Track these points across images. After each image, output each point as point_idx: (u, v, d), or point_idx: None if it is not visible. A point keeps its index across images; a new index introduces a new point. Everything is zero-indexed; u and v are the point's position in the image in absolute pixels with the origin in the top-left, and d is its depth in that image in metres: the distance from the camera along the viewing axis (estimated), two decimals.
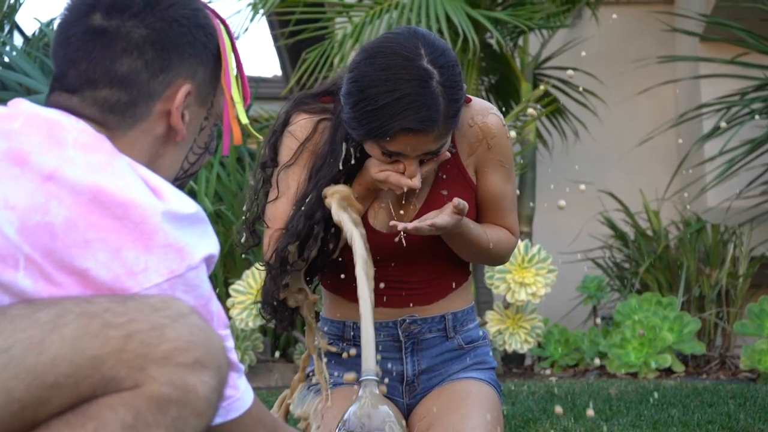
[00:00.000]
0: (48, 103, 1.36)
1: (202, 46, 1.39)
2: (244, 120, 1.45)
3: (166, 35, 1.35)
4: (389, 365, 2.05)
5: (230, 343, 1.30)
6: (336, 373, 2.07)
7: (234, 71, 1.44)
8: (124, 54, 1.33)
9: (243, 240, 2.10)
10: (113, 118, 1.33)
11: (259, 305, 2.01)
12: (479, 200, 2.07)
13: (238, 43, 1.47)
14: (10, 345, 1.11)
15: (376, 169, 1.89)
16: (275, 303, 1.97)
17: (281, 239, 1.96)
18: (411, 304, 2.04)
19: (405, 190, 1.90)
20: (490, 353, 2.15)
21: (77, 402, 1.13)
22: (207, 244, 1.25)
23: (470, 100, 2.02)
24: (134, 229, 1.19)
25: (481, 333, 2.14)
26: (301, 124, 2.00)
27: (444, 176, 2.01)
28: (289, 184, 1.99)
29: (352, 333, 2.06)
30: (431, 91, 1.79)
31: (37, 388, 1.11)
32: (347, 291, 2.04)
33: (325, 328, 2.13)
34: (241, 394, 1.33)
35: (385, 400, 1.80)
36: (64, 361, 1.12)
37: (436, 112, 1.79)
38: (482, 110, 2.03)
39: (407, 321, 2.04)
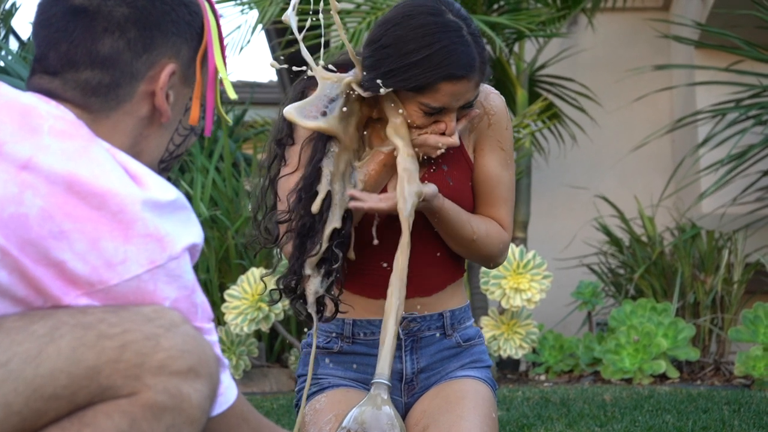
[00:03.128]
0: (29, 86, 1.33)
1: (186, 24, 1.35)
2: (233, 95, 1.41)
3: (148, 13, 1.32)
4: None
5: (214, 337, 1.27)
6: (331, 373, 2.07)
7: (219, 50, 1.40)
8: (105, 34, 1.30)
9: (254, 237, 2.07)
10: (96, 100, 1.30)
11: (278, 283, 2.00)
12: (474, 182, 2.07)
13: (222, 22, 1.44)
14: (8, 359, 1.10)
15: (414, 133, 1.93)
16: (293, 286, 1.96)
17: (292, 233, 1.95)
18: (411, 294, 2.02)
19: (443, 150, 1.94)
20: (487, 352, 2.15)
21: (74, 411, 1.13)
22: (189, 232, 1.22)
23: None
24: (112, 218, 1.16)
25: (477, 331, 2.14)
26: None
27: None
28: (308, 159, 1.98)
29: (351, 330, 2.06)
30: (465, 39, 1.87)
31: (36, 400, 1.11)
32: (352, 283, 2.02)
33: (320, 325, 2.11)
34: (224, 390, 1.30)
35: (391, 404, 1.80)
36: (62, 373, 1.11)
37: (474, 58, 1.88)
38: (484, 89, 2.07)
39: (407, 319, 2.04)
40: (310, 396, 2.06)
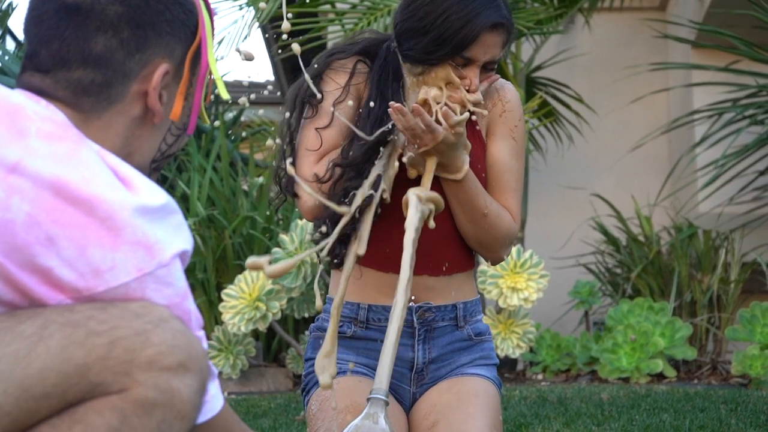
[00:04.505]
0: (19, 83, 1.30)
1: (181, 23, 1.33)
2: (226, 96, 1.39)
3: (142, 12, 1.30)
4: (400, 351, 2.04)
5: (204, 344, 1.26)
6: (343, 358, 2.05)
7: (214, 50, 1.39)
8: (98, 32, 1.28)
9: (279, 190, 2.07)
10: (87, 99, 1.28)
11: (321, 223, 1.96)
12: (487, 167, 2.08)
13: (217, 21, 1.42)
14: None
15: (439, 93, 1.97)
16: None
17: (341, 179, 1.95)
18: (420, 270, 2.00)
19: (469, 107, 1.97)
20: (494, 348, 2.15)
21: (65, 409, 1.13)
22: (180, 238, 1.20)
23: None
24: (100, 225, 1.14)
25: (486, 327, 2.14)
26: (342, 64, 2.06)
27: None
28: (339, 118, 2.00)
29: (366, 315, 2.04)
30: None
31: (26, 400, 1.10)
32: (369, 258, 1.98)
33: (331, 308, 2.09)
34: (209, 398, 1.28)
35: (388, 420, 1.77)
36: (52, 372, 1.10)
37: (505, 10, 1.95)
38: (500, 80, 2.13)
39: (422, 308, 2.04)
40: (317, 382, 2.04)
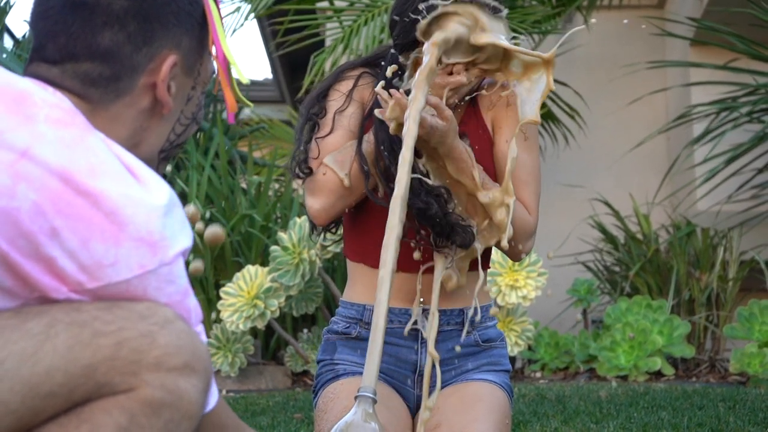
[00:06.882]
0: (26, 73, 1.30)
1: (186, 14, 1.34)
2: (245, 80, 1.40)
3: (148, 6, 1.30)
4: (404, 353, 2.04)
5: (203, 338, 1.26)
6: (347, 359, 2.05)
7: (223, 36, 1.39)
8: (105, 27, 1.28)
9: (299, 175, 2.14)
10: (95, 91, 1.29)
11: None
12: (494, 161, 2.07)
13: (224, 14, 1.42)
14: (3, 358, 1.09)
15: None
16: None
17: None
18: (430, 269, 1.99)
19: (454, 97, 1.99)
20: (507, 356, 2.13)
21: (71, 408, 1.13)
22: (183, 235, 1.20)
23: None
24: (105, 218, 1.14)
25: (499, 334, 2.13)
26: (348, 75, 2.11)
27: (463, 123, 2.07)
28: (344, 122, 2.05)
29: (370, 317, 2.03)
30: None
31: (32, 399, 1.10)
32: (375, 258, 1.99)
33: (342, 311, 2.10)
34: None
35: (376, 419, 1.76)
36: (59, 372, 1.10)
37: None
38: None
39: (428, 311, 2.03)
40: (326, 382, 2.04)
